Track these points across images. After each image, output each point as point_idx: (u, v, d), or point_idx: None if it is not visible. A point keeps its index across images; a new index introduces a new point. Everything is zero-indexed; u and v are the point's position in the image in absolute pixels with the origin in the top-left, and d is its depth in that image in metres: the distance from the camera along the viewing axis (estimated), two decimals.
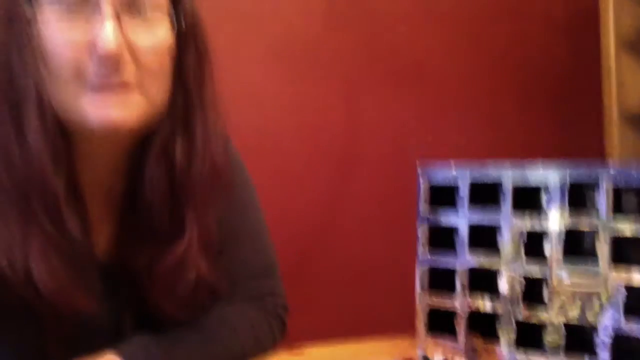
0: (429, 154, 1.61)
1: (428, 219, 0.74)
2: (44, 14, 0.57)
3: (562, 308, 0.64)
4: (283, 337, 0.78)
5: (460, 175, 0.72)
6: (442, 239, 0.74)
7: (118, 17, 0.56)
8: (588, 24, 1.77)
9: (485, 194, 0.71)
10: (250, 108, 1.49)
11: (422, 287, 0.74)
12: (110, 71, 0.57)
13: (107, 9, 0.56)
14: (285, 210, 1.49)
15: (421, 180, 0.74)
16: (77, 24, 0.57)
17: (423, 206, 0.74)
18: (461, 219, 0.71)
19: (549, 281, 0.65)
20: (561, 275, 0.64)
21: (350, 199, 1.60)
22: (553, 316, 0.65)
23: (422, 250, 0.74)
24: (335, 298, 1.57)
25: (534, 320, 0.66)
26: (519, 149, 1.73)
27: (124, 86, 0.57)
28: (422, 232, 0.74)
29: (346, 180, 1.60)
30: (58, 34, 0.57)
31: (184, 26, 0.62)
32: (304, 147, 1.56)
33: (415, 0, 1.65)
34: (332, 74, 1.59)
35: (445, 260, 0.73)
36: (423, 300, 0.74)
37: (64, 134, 0.60)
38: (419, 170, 0.75)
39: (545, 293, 0.65)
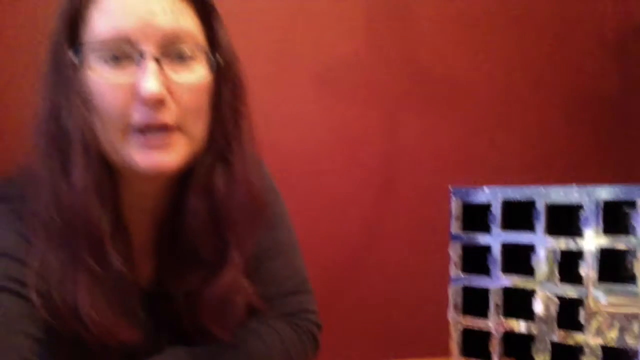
0: (472, 177, 1.60)
1: (460, 237, 0.74)
2: (89, 60, 0.59)
3: (600, 330, 0.62)
4: (315, 353, 0.78)
5: (492, 194, 0.71)
6: (477, 259, 0.73)
7: (159, 61, 0.59)
8: (637, 43, 1.73)
9: (519, 213, 0.70)
10: (292, 132, 1.51)
11: (454, 307, 0.73)
12: (153, 112, 0.59)
13: (148, 53, 0.58)
14: (324, 231, 1.49)
15: (453, 199, 0.74)
16: (120, 68, 0.59)
17: (454, 224, 0.74)
18: (494, 238, 0.71)
19: (586, 302, 0.64)
20: (598, 296, 0.63)
21: (389, 222, 1.60)
22: (590, 338, 0.63)
23: (454, 269, 0.73)
24: (371, 319, 1.56)
25: (570, 342, 0.64)
26: (565, 172, 1.69)
27: (166, 127, 0.60)
28: (454, 251, 0.74)
29: (386, 203, 1.60)
30: (103, 78, 0.59)
31: (220, 63, 0.64)
32: (344, 169, 1.57)
33: (457, 24, 1.65)
34: (373, 98, 1.60)
35: (478, 280, 0.72)
36: (456, 320, 0.73)
37: (110, 171, 0.62)
38: (451, 189, 0.75)
39: (582, 314, 0.64)
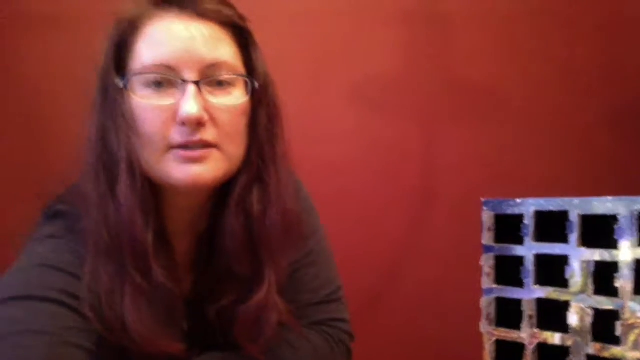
0: (513, 189, 1.57)
1: (492, 249, 0.74)
2: (134, 85, 0.63)
3: (637, 343, 0.61)
4: None
5: (525, 206, 0.71)
6: (510, 270, 0.73)
7: (198, 86, 0.62)
8: None
9: (552, 225, 0.70)
10: (328, 145, 1.53)
11: (487, 318, 0.73)
12: (191, 131, 0.62)
13: (189, 78, 0.62)
14: (360, 243, 1.50)
15: (484, 210, 0.74)
16: (162, 92, 0.63)
17: (486, 235, 0.73)
18: (527, 250, 0.70)
19: (622, 314, 0.63)
20: (634, 307, 0.62)
21: (427, 235, 1.59)
22: (627, 351, 0.62)
23: (486, 280, 0.73)
24: (407, 330, 1.55)
25: (605, 355, 0.63)
26: (609, 185, 1.65)
27: (204, 144, 0.62)
28: (485, 262, 0.74)
29: (423, 216, 1.60)
30: (146, 101, 0.62)
31: (256, 87, 0.67)
32: (381, 182, 1.58)
33: (496, 34, 1.64)
34: (410, 111, 1.59)
35: (511, 292, 0.72)
36: (488, 332, 0.73)
37: (153, 188, 0.65)
38: (482, 201, 0.75)
39: (618, 327, 0.63)
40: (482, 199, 0.75)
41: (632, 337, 0.62)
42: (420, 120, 1.60)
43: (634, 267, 0.62)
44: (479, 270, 0.76)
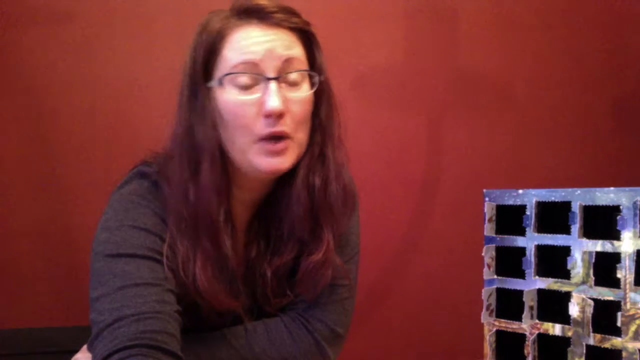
0: (518, 182, 1.57)
1: (493, 240, 0.73)
2: (225, 85, 0.75)
3: (638, 333, 0.61)
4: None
5: (527, 196, 0.71)
6: (512, 261, 0.73)
7: (278, 81, 0.75)
8: None
9: (554, 216, 0.70)
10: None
11: (487, 309, 0.73)
12: (275, 123, 0.74)
13: (270, 75, 0.74)
14: (366, 235, 1.50)
15: (486, 201, 0.74)
16: (248, 90, 0.75)
17: (487, 226, 0.73)
18: (528, 240, 0.70)
19: (623, 305, 0.63)
20: (635, 299, 0.62)
21: (431, 225, 1.59)
22: (627, 342, 0.62)
23: (488, 271, 0.73)
24: (409, 321, 1.56)
25: (606, 346, 0.63)
26: (614, 177, 1.65)
27: (283, 135, 0.75)
28: (487, 253, 0.73)
29: (428, 207, 1.60)
30: (235, 99, 0.75)
31: (318, 82, 0.80)
32: (386, 175, 1.58)
33: (500, 25, 1.63)
34: (413, 103, 1.59)
35: (512, 283, 0.71)
36: (489, 323, 0.73)
37: (227, 175, 0.78)
38: (484, 192, 0.75)
39: (619, 318, 0.63)
40: (484, 190, 0.75)
41: (632, 328, 0.62)
42: (425, 112, 1.59)
43: (636, 258, 0.62)
44: (481, 261, 0.76)
